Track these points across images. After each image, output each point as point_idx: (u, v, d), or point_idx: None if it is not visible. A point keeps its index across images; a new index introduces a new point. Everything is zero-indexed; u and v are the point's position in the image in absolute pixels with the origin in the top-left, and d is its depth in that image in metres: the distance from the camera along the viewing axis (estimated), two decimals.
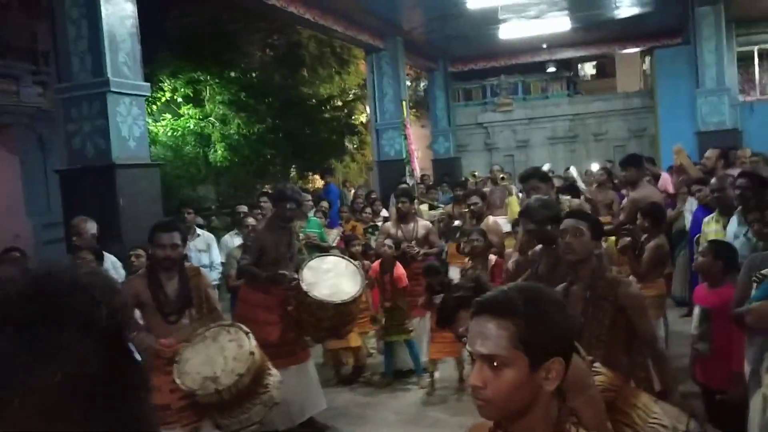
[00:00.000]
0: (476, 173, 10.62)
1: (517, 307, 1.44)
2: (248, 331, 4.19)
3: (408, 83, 15.87)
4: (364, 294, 6.62)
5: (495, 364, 1.43)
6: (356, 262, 5.61)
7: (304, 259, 5.58)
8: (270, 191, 8.26)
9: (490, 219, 6.96)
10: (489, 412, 1.48)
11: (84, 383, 0.83)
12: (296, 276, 5.20)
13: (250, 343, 4.10)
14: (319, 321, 5.18)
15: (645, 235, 5.47)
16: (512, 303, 1.45)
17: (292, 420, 5.35)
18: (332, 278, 5.26)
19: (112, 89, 6.09)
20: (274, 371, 4.35)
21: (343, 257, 5.67)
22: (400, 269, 6.43)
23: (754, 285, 3.56)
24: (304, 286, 5.08)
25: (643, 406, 2.72)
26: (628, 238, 5.48)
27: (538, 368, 1.43)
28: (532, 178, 5.46)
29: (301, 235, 6.71)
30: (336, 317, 5.19)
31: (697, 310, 4.04)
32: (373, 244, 7.41)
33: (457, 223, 7.55)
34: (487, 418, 1.53)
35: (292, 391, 5.27)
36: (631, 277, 4.85)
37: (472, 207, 6.94)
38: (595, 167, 8.79)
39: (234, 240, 7.24)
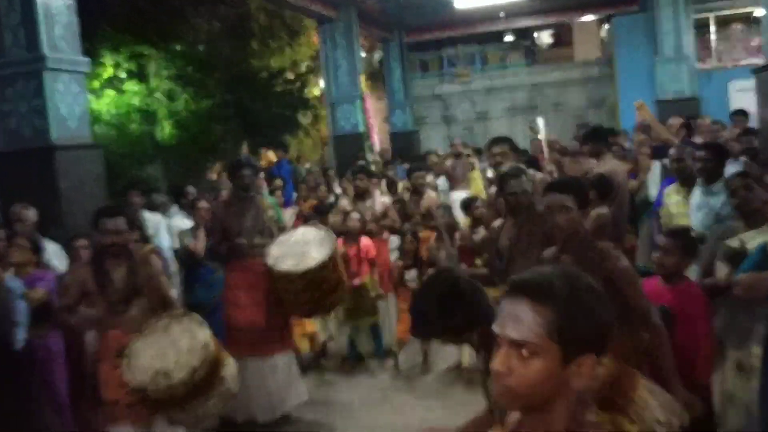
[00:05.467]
0: (438, 153, 10.50)
1: (560, 293, 1.30)
2: (202, 321, 3.98)
3: (362, 54, 15.58)
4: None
5: (524, 351, 1.30)
6: (326, 229, 5.39)
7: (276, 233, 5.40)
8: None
9: (431, 194, 7.16)
10: (508, 401, 1.36)
11: None
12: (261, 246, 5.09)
13: (204, 334, 3.89)
14: (296, 295, 4.98)
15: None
16: (554, 288, 1.30)
17: (273, 412, 5.21)
18: (300, 248, 5.05)
19: (49, 66, 5.79)
20: (230, 362, 4.15)
21: (313, 227, 5.45)
22: (366, 240, 6.32)
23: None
24: (270, 261, 4.92)
25: (639, 400, 2.62)
26: None
27: (569, 363, 1.30)
28: (504, 143, 5.36)
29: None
30: (310, 288, 4.95)
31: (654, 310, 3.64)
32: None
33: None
34: (505, 407, 1.42)
35: (276, 382, 5.17)
36: None
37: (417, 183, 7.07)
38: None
39: (186, 222, 6.93)
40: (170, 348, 3.85)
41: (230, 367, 4.12)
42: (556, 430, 1.34)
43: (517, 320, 1.31)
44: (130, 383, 3.77)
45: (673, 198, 5.53)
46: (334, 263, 5.06)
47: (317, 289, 4.99)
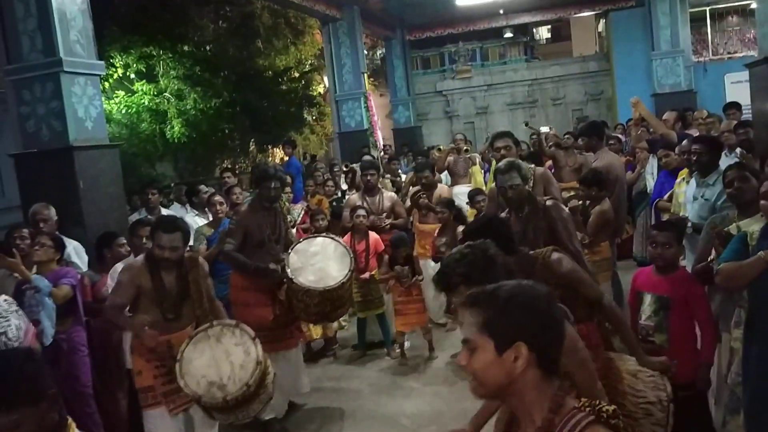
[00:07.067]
0: (441, 147, 10.57)
1: (491, 298, 1.63)
2: (254, 335, 4.04)
3: (365, 52, 15.70)
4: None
5: (470, 347, 1.63)
6: (345, 244, 5.46)
7: (292, 241, 5.47)
8: (229, 166, 8.05)
9: (444, 189, 7.31)
10: (474, 389, 1.68)
11: None
12: (282, 260, 5.08)
13: (257, 351, 3.96)
14: (307, 306, 5.07)
15: (589, 202, 5.65)
16: (487, 295, 1.65)
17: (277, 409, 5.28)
18: (320, 262, 5.12)
19: (65, 69, 5.88)
20: (271, 369, 4.26)
21: (332, 238, 5.46)
22: (374, 235, 6.47)
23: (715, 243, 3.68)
24: (290, 272, 4.96)
25: (629, 389, 2.78)
26: (579, 202, 5.70)
27: (503, 352, 1.59)
28: (506, 137, 5.44)
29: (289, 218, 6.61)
30: (323, 303, 5.05)
31: (649, 299, 3.74)
32: None
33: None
34: (475, 395, 1.70)
35: (281, 378, 5.18)
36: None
37: (423, 180, 7.15)
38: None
39: (196, 220, 7.08)
40: (224, 360, 3.92)
41: (271, 374, 4.22)
42: (536, 412, 1.61)
43: (465, 324, 1.66)
44: (183, 389, 3.85)
45: (683, 187, 5.60)
46: (349, 281, 5.21)
47: (330, 304, 5.12)
